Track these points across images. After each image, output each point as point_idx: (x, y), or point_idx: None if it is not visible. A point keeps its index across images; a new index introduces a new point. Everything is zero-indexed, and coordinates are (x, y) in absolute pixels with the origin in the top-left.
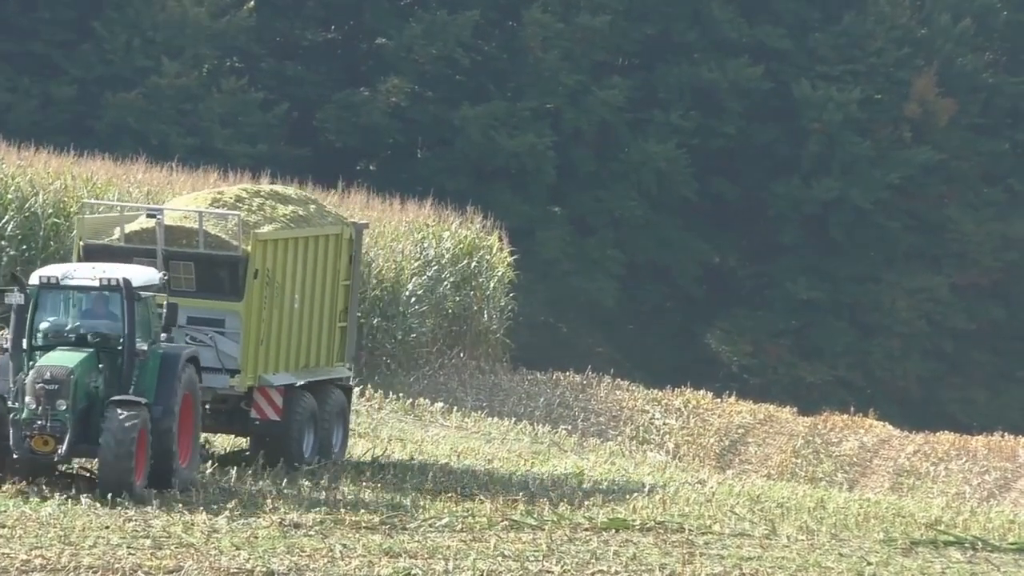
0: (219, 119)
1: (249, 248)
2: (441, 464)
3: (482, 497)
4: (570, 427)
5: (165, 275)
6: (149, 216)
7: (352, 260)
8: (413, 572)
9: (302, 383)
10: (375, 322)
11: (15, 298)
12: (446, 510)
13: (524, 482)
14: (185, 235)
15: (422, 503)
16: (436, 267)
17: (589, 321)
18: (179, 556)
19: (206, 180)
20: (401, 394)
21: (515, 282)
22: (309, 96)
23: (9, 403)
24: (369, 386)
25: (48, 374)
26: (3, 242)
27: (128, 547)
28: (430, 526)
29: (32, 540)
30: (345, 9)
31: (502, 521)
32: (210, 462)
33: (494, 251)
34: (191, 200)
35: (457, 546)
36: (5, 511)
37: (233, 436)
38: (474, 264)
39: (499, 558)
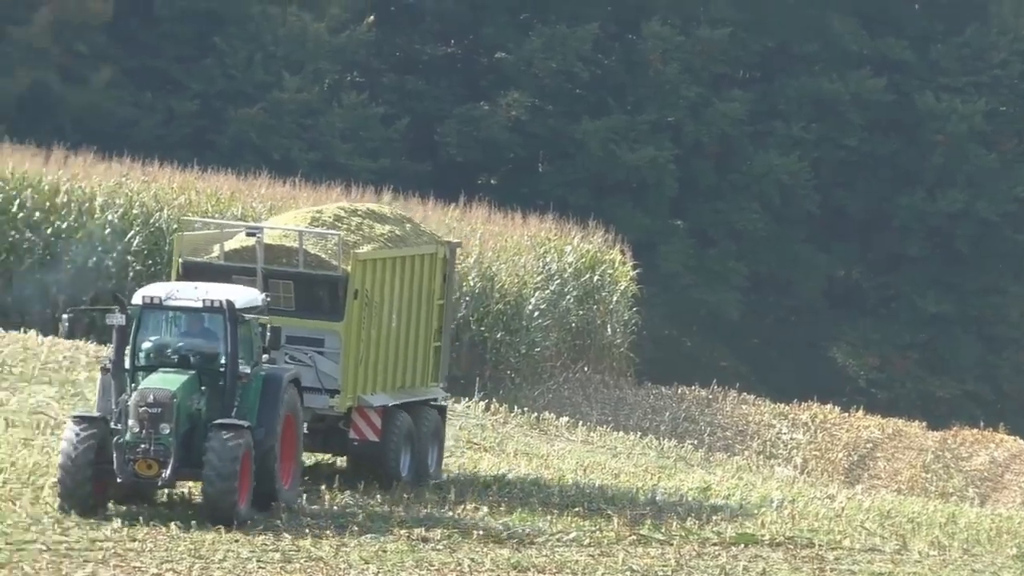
0: (340, 134)
1: (349, 268)
2: (568, 478)
3: (609, 512)
4: (696, 441)
5: (268, 296)
6: (249, 234)
7: (446, 279)
8: None
9: (399, 403)
10: (499, 336)
11: (117, 319)
12: (573, 524)
13: (651, 497)
14: (285, 254)
15: (549, 517)
16: (559, 281)
17: (713, 334)
18: (308, 570)
19: (328, 195)
20: (526, 408)
21: (638, 296)
22: (430, 110)
23: (112, 424)
24: (494, 400)
25: (151, 397)
26: (129, 257)
27: (258, 560)
28: (558, 541)
29: (163, 554)
30: (465, 24)
31: (630, 536)
32: (336, 478)
33: (616, 265)
34: (290, 219)
35: (585, 561)
36: (135, 526)
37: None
38: (596, 278)
39: (627, 573)
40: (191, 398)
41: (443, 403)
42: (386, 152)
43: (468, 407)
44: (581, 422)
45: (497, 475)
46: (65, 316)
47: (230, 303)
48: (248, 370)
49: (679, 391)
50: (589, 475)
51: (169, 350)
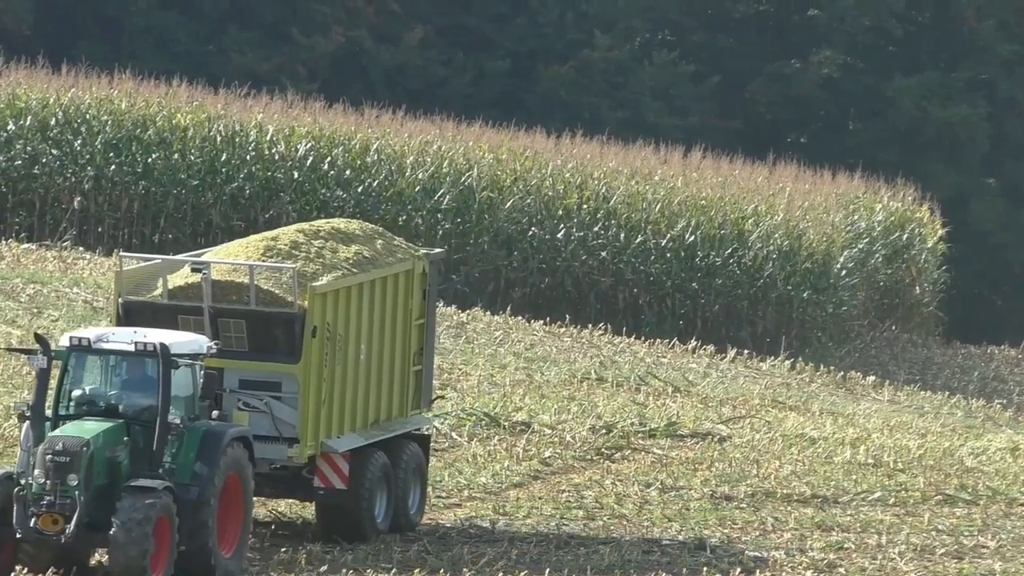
0: (650, 92)
1: (306, 303)
2: (873, 438)
3: (915, 471)
4: (1005, 401)
5: (216, 344)
6: (194, 270)
7: (426, 295)
8: (845, 546)
9: (372, 443)
10: (805, 295)
11: (38, 361)
12: (878, 484)
13: (958, 456)
14: (235, 290)
15: (854, 477)
16: (867, 239)
17: None
18: (611, 527)
19: (637, 155)
20: (832, 367)
21: (947, 254)
22: (740, 68)
23: (23, 480)
24: (799, 359)
25: (60, 445)
26: (439, 215)
27: (561, 518)
28: (862, 500)
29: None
30: None
31: (936, 495)
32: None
33: (925, 222)
34: (241, 248)
35: (890, 520)
36: None
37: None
38: (905, 236)
39: (933, 532)
40: (111, 449)
41: (427, 432)
42: (695, 110)
43: (773, 366)
44: (888, 381)
45: (801, 434)
46: None
47: (164, 347)
48: (178, 422)
49: (988, 350)
50: (895, 434)
51: (97, 398)
